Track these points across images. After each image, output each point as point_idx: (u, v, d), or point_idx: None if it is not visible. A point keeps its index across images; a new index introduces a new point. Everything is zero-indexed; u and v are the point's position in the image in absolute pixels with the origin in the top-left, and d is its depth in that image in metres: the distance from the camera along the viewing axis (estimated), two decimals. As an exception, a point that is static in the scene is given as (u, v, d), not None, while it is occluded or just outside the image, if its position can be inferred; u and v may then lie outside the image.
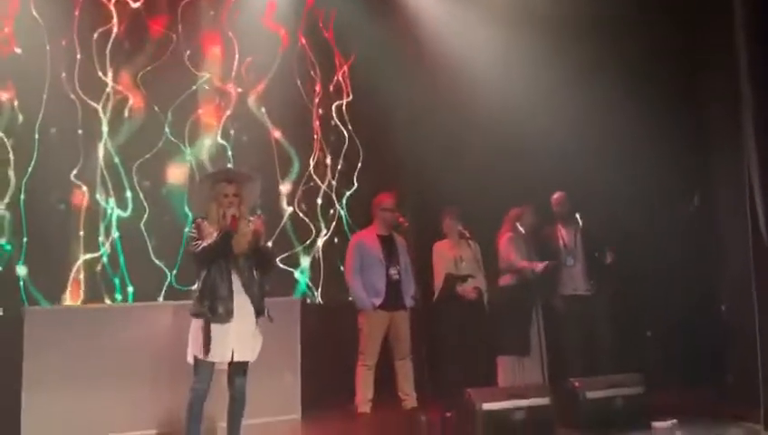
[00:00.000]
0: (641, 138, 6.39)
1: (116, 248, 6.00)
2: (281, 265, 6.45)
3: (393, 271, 5.75)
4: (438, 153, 6.78)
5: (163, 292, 6.07)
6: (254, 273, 4.38)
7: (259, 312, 4.33)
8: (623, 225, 6.48)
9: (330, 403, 5.88)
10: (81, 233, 5.89)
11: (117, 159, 6.07)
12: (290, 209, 6.78)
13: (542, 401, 5.03)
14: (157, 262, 6.09)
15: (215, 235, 4.24)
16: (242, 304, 4.27)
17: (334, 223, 6.97)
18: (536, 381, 5.79)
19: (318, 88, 7.01)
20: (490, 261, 6.19)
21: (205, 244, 4.24)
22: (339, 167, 7.05)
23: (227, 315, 4.20)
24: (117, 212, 6.05)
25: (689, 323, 6.47)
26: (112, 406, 5.15)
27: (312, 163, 6.91)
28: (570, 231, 6.25)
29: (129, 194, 6.09)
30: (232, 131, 6.60)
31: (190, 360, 4.25)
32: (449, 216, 6.14)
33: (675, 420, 5.29)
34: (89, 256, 5.90)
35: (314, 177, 6.93)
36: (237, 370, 4.33)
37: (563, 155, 6.43)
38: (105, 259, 5.95)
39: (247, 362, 4.34)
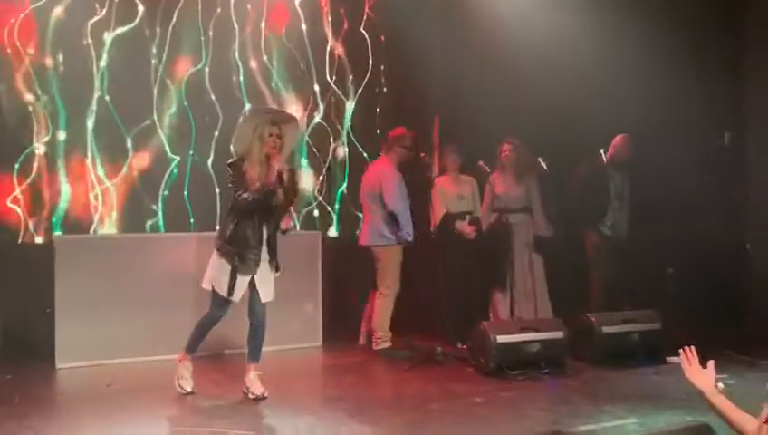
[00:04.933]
0: (676, 77, 6.24)
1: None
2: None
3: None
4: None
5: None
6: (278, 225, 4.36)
7: (273, 265, 4.38)
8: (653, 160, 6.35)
9: (348, 333, 6.01)
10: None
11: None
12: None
13: (556, 334, 5.10)
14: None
15: (257, 186, 4.20)
16: (264, 253, 4.34)
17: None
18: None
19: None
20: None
21: (249, 198, 4.21)
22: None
23: (255, 265, 4.28)
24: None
25: (713, 263, 6.40)
26: (138, 330, 5.33)
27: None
28: (620, 175, 6.11)
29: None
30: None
31: (206, 286, 4.36)
32: (449, 150, 6.06)
33: (690, 357, 5.32)
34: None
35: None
36: (258, 303, 4.40)
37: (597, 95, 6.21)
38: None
39: None
